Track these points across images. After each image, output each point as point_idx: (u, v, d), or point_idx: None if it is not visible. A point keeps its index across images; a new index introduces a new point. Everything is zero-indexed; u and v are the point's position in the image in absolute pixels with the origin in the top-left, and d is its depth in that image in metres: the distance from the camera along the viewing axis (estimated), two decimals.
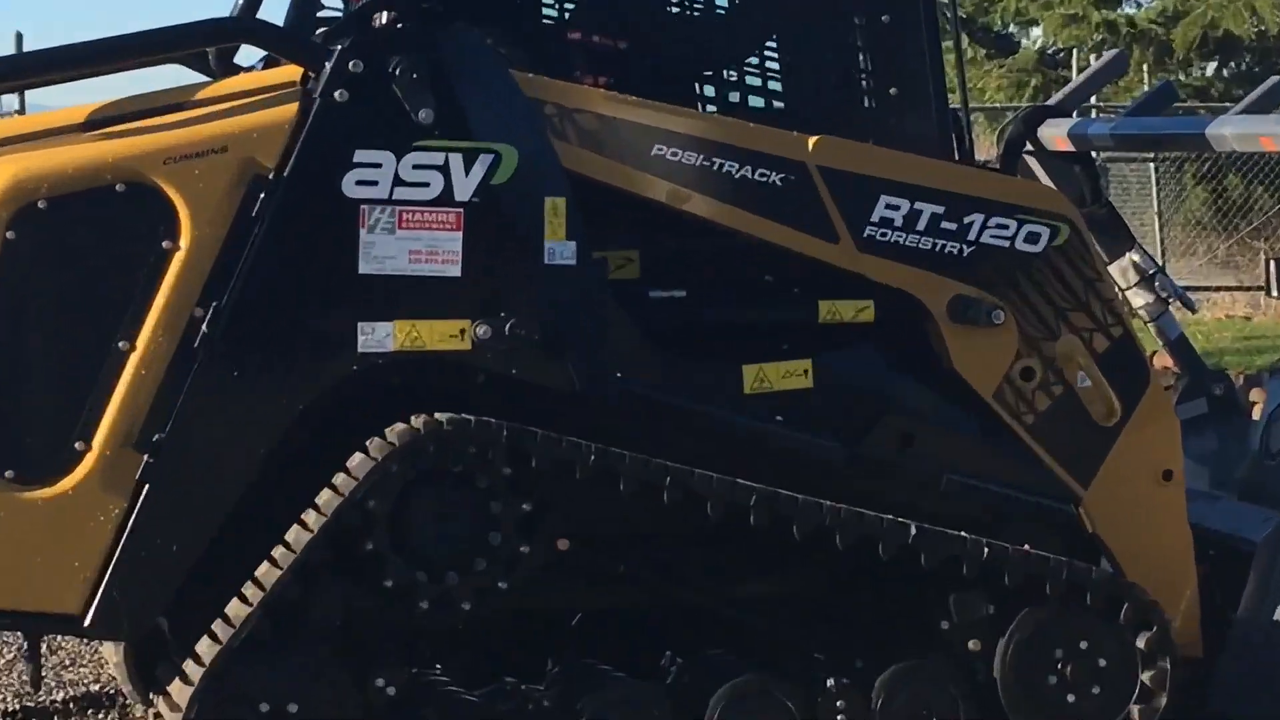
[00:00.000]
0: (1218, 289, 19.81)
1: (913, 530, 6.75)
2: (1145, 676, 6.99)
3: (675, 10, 7.31)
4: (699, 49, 7.28)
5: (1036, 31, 23.89)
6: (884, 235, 6.89)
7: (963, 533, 6.85)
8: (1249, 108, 8.64)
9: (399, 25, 6.63)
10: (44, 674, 8.07)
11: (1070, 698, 6.97)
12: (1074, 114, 8.88)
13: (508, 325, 6.46)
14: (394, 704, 6.55)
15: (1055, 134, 8.61)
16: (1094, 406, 7.16)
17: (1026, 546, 6.95)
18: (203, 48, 7.27)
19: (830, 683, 6.84)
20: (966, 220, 6.97)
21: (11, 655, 8.60)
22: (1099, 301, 7.20)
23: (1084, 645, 6.98)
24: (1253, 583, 7.40)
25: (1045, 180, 8.43)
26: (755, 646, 7.01)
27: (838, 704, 6.82)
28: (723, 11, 7.34)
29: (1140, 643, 6.99)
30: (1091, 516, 7.15)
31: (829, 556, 6.82)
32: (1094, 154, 8.80)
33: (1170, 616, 7.07)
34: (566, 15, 7.22)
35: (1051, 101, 9.10)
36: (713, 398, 6.83)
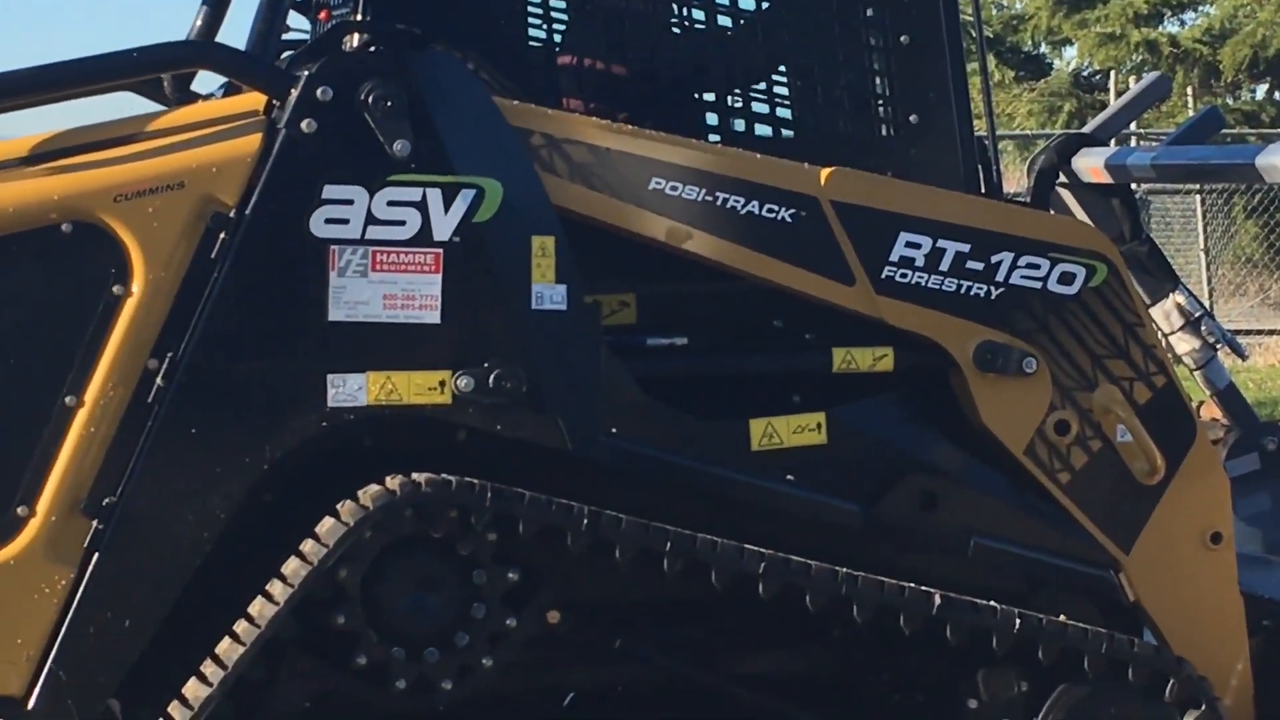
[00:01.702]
0: (1270, 333, 19.65)
1: (937, 600, 6.54)
2: None
3: (676, 31, 7.17)
4: (701, 73, 7.14)
5: (1071, 52, 24.01)
6: (904, 276, 6.68)
7: (992, 603, 6.66)
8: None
9: (371, 49, 6.42)
10: None
11: None
12: (1111, 142, 8.70)
13: (491, 377, 6.29)
14: None
15: (1091, 164, 8.43)
16: (1135, 463, 6.94)
17: (1063, 617, 6.73)
18: (157, 74, 7.13)
19: None
20: (994, 259, 6.76)
21: None
22: (1140, 348, 6.97)
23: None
24: None
25: (1081, 215, 8.27)
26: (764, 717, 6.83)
27: None
28: (727, 33, 7.18)
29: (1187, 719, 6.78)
30: (1133, 583, 6.94)
31: (846, 630, 6.65)
32: (1134, 186, 8.61)
33: (1220, 694, 6.87)
34: (556, 37, 7.11)
35: (1087, 129, 8.89)
36: (717, 456, 6.61)
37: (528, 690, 6.75)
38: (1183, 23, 22.89)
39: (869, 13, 6.99)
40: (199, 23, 7.58)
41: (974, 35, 7.21)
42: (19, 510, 6.09)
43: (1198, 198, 20.23)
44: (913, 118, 6.92)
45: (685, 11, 7.16)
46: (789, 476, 6.63)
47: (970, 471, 6.90)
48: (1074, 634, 6.67)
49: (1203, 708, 6.72)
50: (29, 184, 6.24)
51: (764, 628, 6.77)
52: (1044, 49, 23.99)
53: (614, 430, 6.44)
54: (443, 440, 6.39)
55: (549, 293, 6.36)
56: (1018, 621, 6.60)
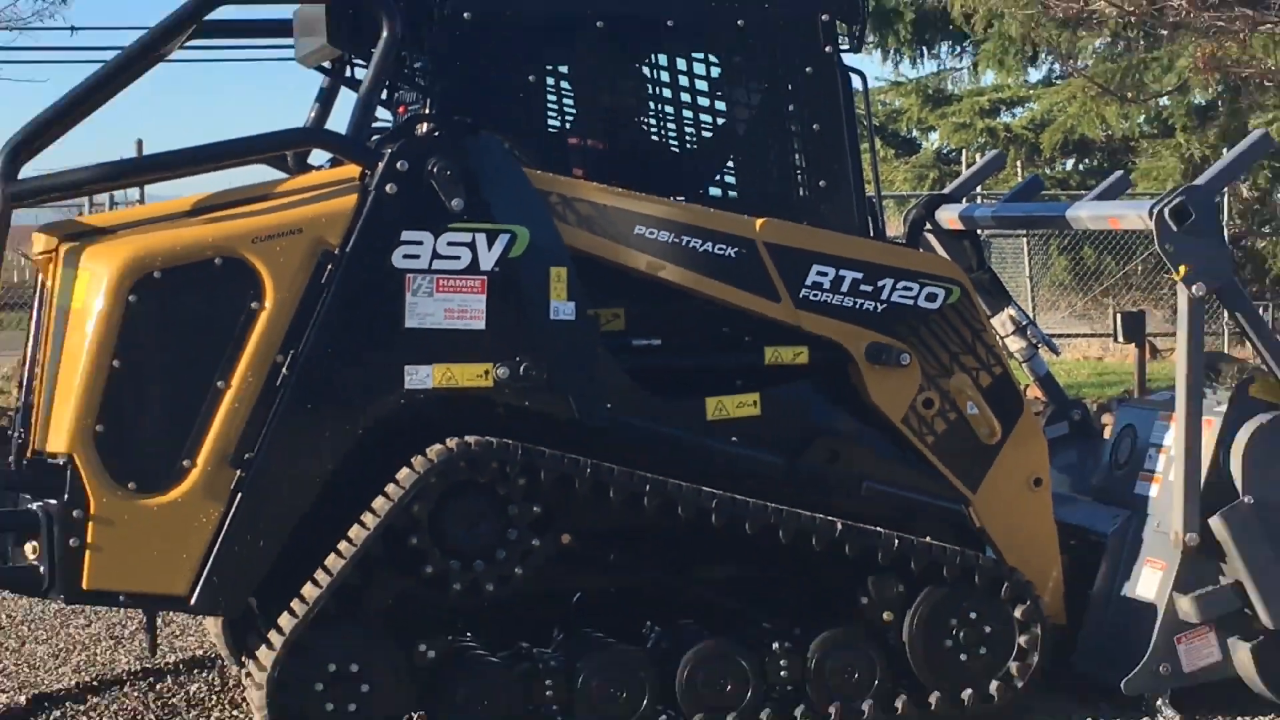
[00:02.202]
0: (1076, 336, 20.00)
1: (839, 527, 7.05)
2: (1021, 640, 7.27)
3: (653, 125, 7.52)
4: (672, 153, 7.50)
5: (934, 136, 23.91)
6: (816, 295, 7.20)
7: (878, 529, 7.15)
8: (1099, 195, 8.88)
9: (436, 134, 6.90)
10: (159, 641, 8.23)
11: (963, 657, 7.25)
12: (963, 200, 9.11)
13: (521, 367, 6.80)
14: (433, 665, 6.84)
15: (949, 216, 8.82)
16: (980, 429, 7.45)
17: (928, 539, 7.24)
18: (284, 151, 7.52)
19: (775, 646, 7.12)
20: (880, 283, 7.29)
21: (134, 627, 8.75)
22: (983, 347, 7.52)
23: (973, 616, 7.26)
24: (1105, 566, 7.72)
25: (941, 252, 8.62)
26: (716, 619, 7.28)
27: (781, 664, 7.10)
28: (689, 123, 7.47)
29: (1017, 614, 7.28)
30: (979, 515, 7.46)
31: (774, 548, 7.08)
32: (979, 231, 9.00)
33: (1040, 593, 7.37)
34: (567, 125, 7.40)
35: (946, 191, 9.27)
36: (682, 424, 7.13)
37: (547, 592, 7.15)
38: (1014, 115, 22.96)
39: (791, 108, 7.39)
40: (312, 115, 7.95)
41: (865, 124, 7.66)
42: (184, 463, 6.56)
43: (1024, 240, 20.47)
44: (822, 183, 7.42)
45: (662, 110, 7.50)
46: (733, 438, 7.18)
47: (863, 435, 7.42)
48: (936, 551, 7.21)
49: (1028, 603, 7.28)
50: (193, 230, 6.78)
51: (716, 548, 7.20)
52: (915, 134, 23.90)
53: (609, 406, 6.98)
54: (486, 413, 6.87)
55: (562, 308, 6.89)
56: (896, 542, 7.15)
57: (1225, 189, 7.61)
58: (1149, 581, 7.50)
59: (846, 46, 7.51)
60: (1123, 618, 7.55)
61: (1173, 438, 7.55)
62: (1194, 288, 7.38)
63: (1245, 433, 7.38)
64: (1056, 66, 23.64)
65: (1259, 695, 7.39)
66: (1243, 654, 7.34)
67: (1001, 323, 8.54)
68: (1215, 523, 7.27)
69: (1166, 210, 7.34)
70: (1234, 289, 7.60)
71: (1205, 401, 7.52)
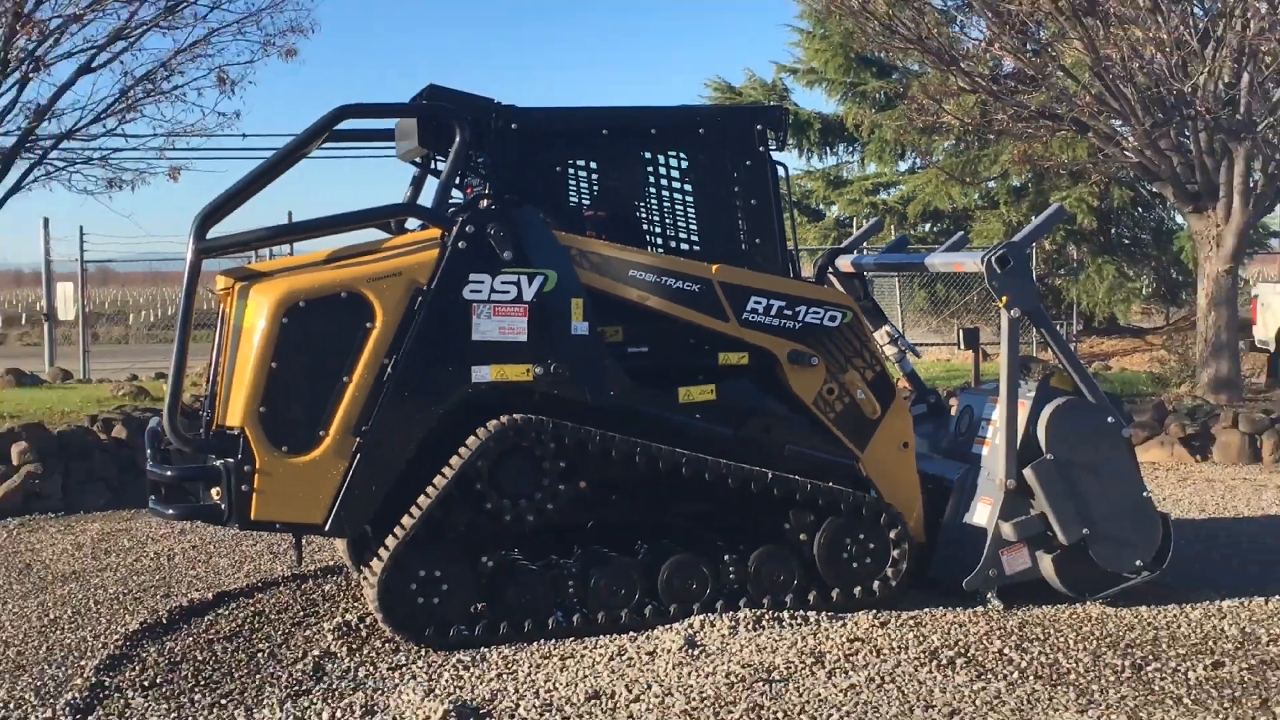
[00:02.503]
0: (932, 345, 20.02)
1: (769, 476, 7.11)
2: (894, 554, 7.33)
3: (641, 200, 7.46)
4: (654, 219, 7.46)
5: (834, 208, 23.97)
6: (754, 317, 7.22)
7: (797, 477, 7.18)
8: (947, 249, 8.93)
9: (492, 207, 6.90)
10: (304, 555, 8.26)
11: (854, 565, 7.29)
12: (854, 252, 9.01)
13: (552, 367, 6.85)
14: (492, 572, 6.94)
15: (844, 262, 8.85)
16: (866, 408, 7.45)
17: (830, 484, 7.26)
18: (390, 218, 7.52)
19: (726, 558, 7.18)
20: (798, 309, 7.30)
21: (285, 546, 8.78)
22: (868, 352, 7.52)
23: (861, 537, 7.31)
24: (951, 502, 7.72)
25: (840, 287, 8.62)
26: (686, 539, 7.28)
27: (731, 570, 7.16)
28: (670, 206, 7.46)
29: (891, 536, 7.34)
30: (866, 467, 7.46)
31: (726, 491, 7.10)
32: (865, 273, 8.98)
33: (907, 521, 7.41)
34: (583, 200, 7.38)
35: (842, 245, 9.23)
36: (662, 406, 7.14)
37: (569, 522, 7.10)
38: (889, 193, 23.01)
39: (736, 189, 7.40)
40: (408, 193, 7.92)
41: (786, 200, 7.61)
42: (320, 433, 6.60)
43: (895, 279, 20.46)
44: (757, 240, 7.42)
45: (647, 190, 7.47)
46: (697, 416, 7.19)
47: (786, 414, 7.39)
48: (835, 493, 7.26)
49: (899, 528, 7.34)
50: (326, 273, 6.83)
51: (686, 491, 7.14)
52: (820, 206, 23.98)
53: (612, 394, 7.00)
54: (527, 399, 6.89)
55: (580, 326, 6.92)
56: (808, 486, 7.20)
57: (1034, 244, 7.59)
58: (982, 513, 7.51)
59: (774, 147, 7.48)
60: (964, 538, 7.55)
61: (998, 414, 7.53)
62: (1012, 311, 7.45)
63: (1048, 411, 7.43)
64: (918, 160, 23.69)
65: (1056, 590, 7.42)
66: (1046, 562, 7.40)
67: (880, 335, 8.50)
68: (1027, 472, 7.32)
69: (993, 259, 7.42)
70: (1040, 312, 7.67)
71: (1020, 390, 7.57)
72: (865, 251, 9.11)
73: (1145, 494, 7.59)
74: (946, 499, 7.74)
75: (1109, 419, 7.58)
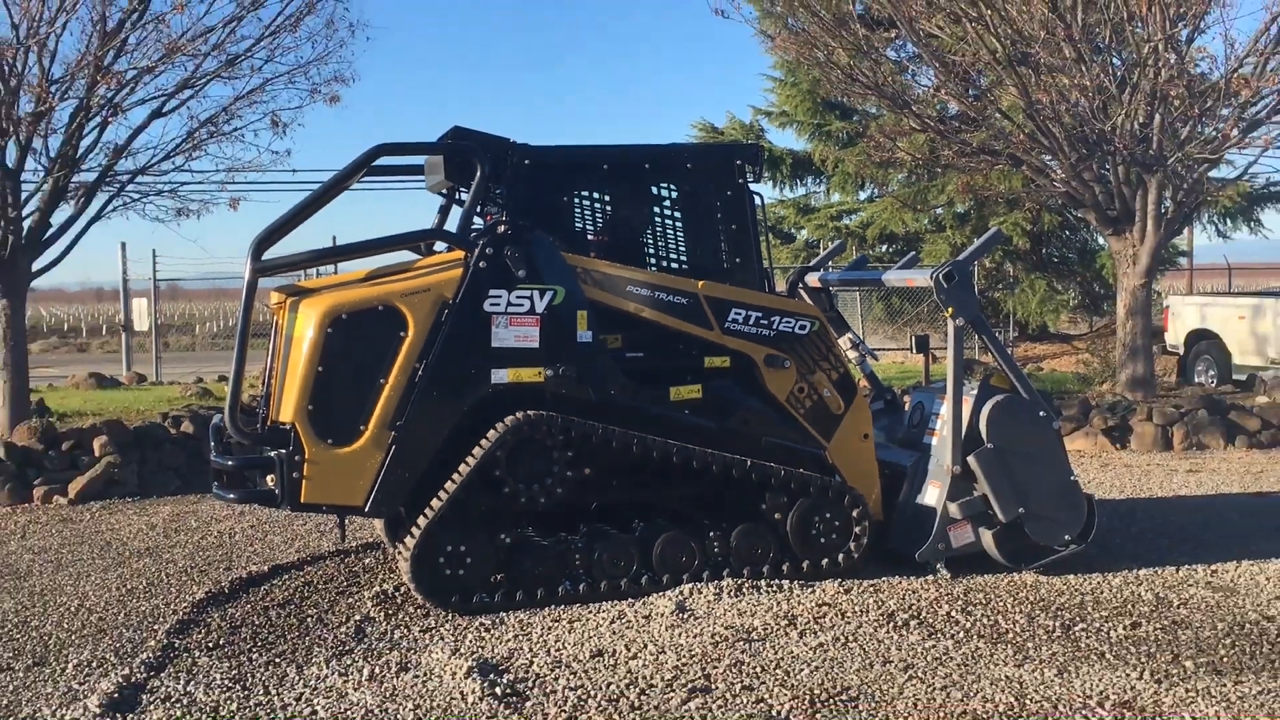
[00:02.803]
0: (888, 349, 20.00)
1: (748, 463, 7.11)
2: (856, 530, 7.32)
3: (638, 225, 7.40)
4: (652, 244, 7.40)
5: (804, 232, 23.98)
6: (734, 326, 7.21)
7: (772, 464, 7.18)
8: (901, 267, 8.94)
9: (509, 232, 6.85)
10: (347, 533, 8.26)
11: (822, 540, 7.28)
12: (821, 270, 9.01)
13: (560, 370, 6.84)
14: (509, 547, 6.88)
15: (812, 278, 8.84)
16: (831, 405, 7.44)
17: (801, 470, 7.26)
18: (421, 242, 7.48)
19: (711, 534, 7.16)
20: (772, 319, 7.30)
21: (331, 525, 8.72)
22: (833, 356, 7.51)
23: (827, 515, 7.30)
24: (906, 486, 7.70)
25: (808, 300, 8.58)
26: (677, 517, 7.25)
27: (714, 545, 7.14)
28: (662, 230, 7.41)
29: (853, 515, 7.33)
30: (831, 455, 7.44)
31: (712, 476, 7.10)
32: (830, 288, 8.94)
33: (868, 502, 7.40)
34: (587, 226, 7.32)
35: (811, 264, 9.18)
36: (656, 402, 7.12)
37: (575, 505, 7.04)
38: (851, 219, 22.98)
39: (719, 215, 7.40)
40: (436, 220, 7.91)
41: (762, 225, 7.58)
42: (361, 427, 6.60)
43: (857, 293, 20.46)
44: (737, 259, 7.39)
45: (643, 217, 7.42)
46: (686, 411, 7.17)
47: (763, 409, 7.36)
48: (806, 478, 7.25)
49: (860, 508, 7.33)
50: (366, 289, 6.81)
51: (676, 476, 7.11)
52: (791, 231, 23.99)
53: (613, 392, 6.98)
54: (539, 397, 6.86)
55: (584, 334, 6.90)
56: (783, 472, 7.19)
57: (975, 263, 7.58)
58: (932, 494, 7.50)
59: (751, 179, 7.45)
60: (916, 516, 7.55)
61: (945, 409, 7.52)
62: (957, 321, 7.43)
63: (988, 407, 7.41)
64: (875, 190, 23.71)
65: (996, 561, 7.42)
66: (987, 537, 7.39)
67: (844, 341, 8.46)
68: (971, 460, 7.31)
69: (941, 275, 7.41)
70: (981, 321, 7.65)
71: (965, 388, 7.54)
72: (830, 269, 9.11)
73: (1072, 478, 7.57)
74: (901, 483, 7.71)
75: (1041, 413, 7.57)
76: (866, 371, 8.96)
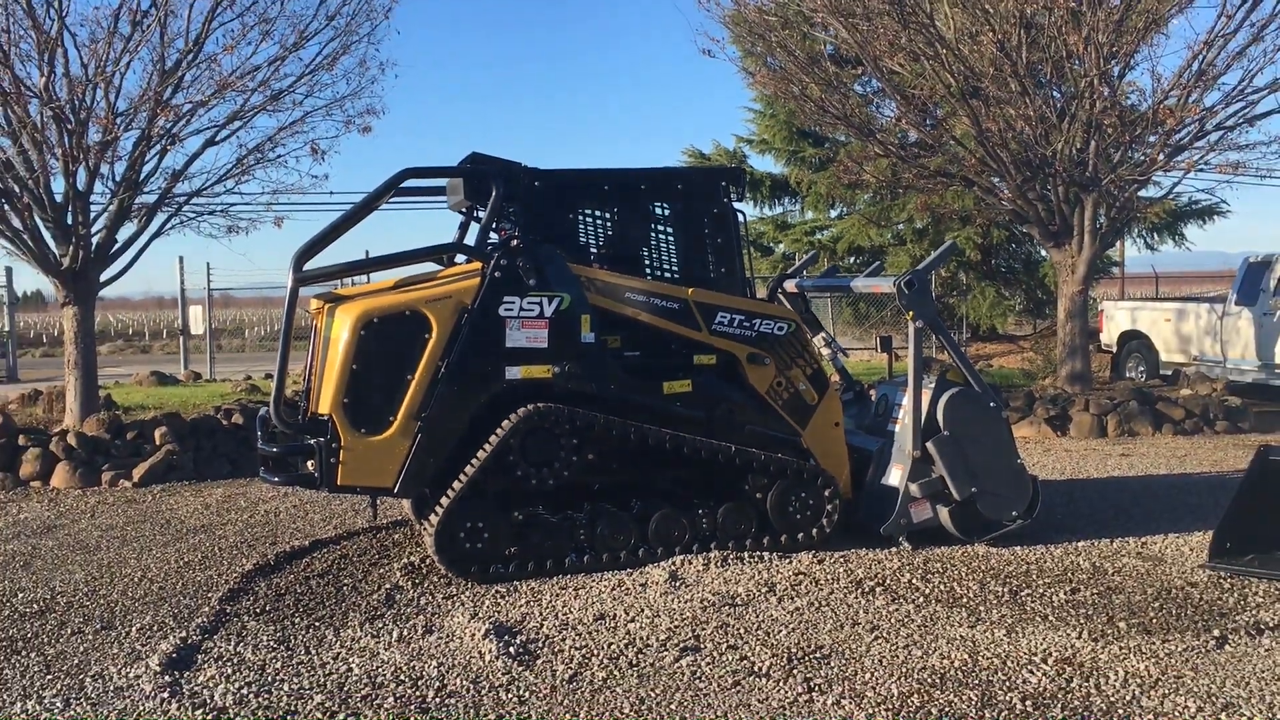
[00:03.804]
0: (856, 349, 19.96)
1: (733, 449, 7.09)
2: (827, 508, 7.32)
3: (635, 239, 7.32)
4: (647, 256, 7.32)
5: (781, 246, 23.87)
6: (721, 327, 7.18)
7: (754, 449, 7.16)
8: (867, 275, 8.85)
9: (521, 245, 6.84)
10: (378, 512, 8.24)
11: (798, 517, 7.26)
12: (797, 277, 9.00)
13: (566, 367, 6.79)
14: (522, 523, 6.85)
15: (790, 285, 8.83)
16: (806, 396, 7.41)
17: (780, 455, 7.23)
18: (443, 254, 7.40)
19: (699, 511, 7.15)
20: (754, 321, 7.26)
21: (364, 505, 8.69)
22: (808, 353, 7.48)
23: (803, 494, 7.28)
24: (872, 467, 7.68)
25: (786, 304, 8.57)
26: (670, 496, 7.21)
27: (703, 520, 7.12)
28: (656, 242, 7.34)
29: (825, 494, 7.32)
30: (807, 441, 7.41)
31: (700, 461, 7.08)
32: (805, 294, 8.95)
33: (838, 482, 7.39)
34: (590, 240, 7.25)
35: (788, 272, 9.17)
36: (651, 395, 7.07)
37: (580, 486, 6.98)
38: (823, 234, 22.79)
39: (706, 231, 7.32)
40: (456, 235, 7.86)
41: (744, 239, 7.53)
42: (390, 418, 6.56)
43: (829, 299, 20.41)
44: (723, 270, 7.33)
45: (640, 232, 7.35)
46: (677, 404, 7.12)
47: (746, 400, 7.32)
48: (783, 462, 7.23)
49: (831, 489, 7.31)
50: (395, 296, 6.76)
51: (669, 461, 7.07)
52: (770, 245, 23.85)
53: (613, 387, 6.94)
54: (548, 392, 6.82)
55: (587, 336, 6.85)
56: (763, 456, 7.17)
57: (933, 272, 7.58)
58: (894, 475, 7.49)
59: (735, 199, 7.42)
60: (881, 494, 7.54)
61: (906, 401, 7.51)
62: (917, 323, 7.42)
63: (944, 398, 7.41)
64: (844, 208, 23.63)
65: (951, 535, 7.42)
66: (944, 513, 7.40)
67: (818, 340, 8.47)
68: (929, 445, 7.31)
69: (903, 283, 7.39)
70: (938, 323, 7.62)
71: (924, 381, 7.54)
72: (806, 277, 9.09)
73: (1019, 461, 7.57)
74: (868, 465, 7.70)
75: (991, 404, 7.56)
76: (838, 366, 8.95)
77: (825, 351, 8.59)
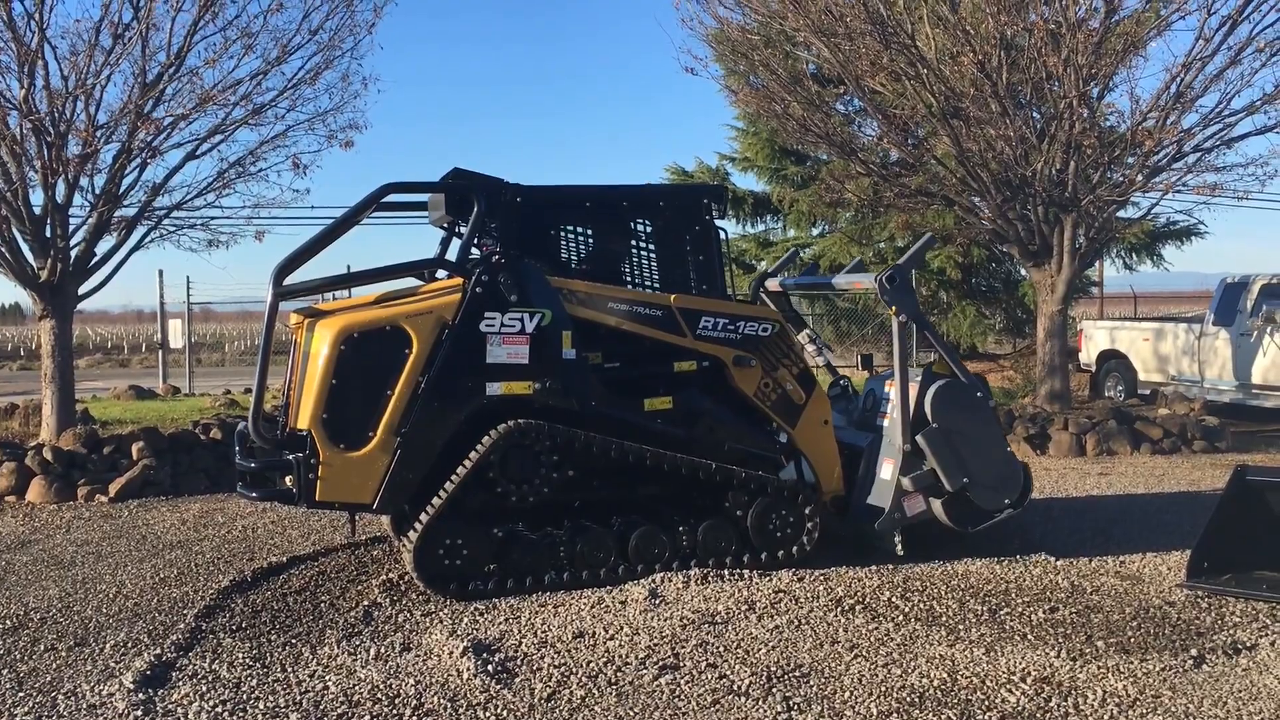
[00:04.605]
0: (838, 366, 20.01)
1: (713, 466, 7.08)
2: (807, 525, 7.29)
3: (617, 253, 7.32)
4: (629, 273, 7.31)
5: (763, 263, 23.90)
6: (705, 331, 7.16)
7: (734, 467, 7.14)
8: (848, 271, 9.03)
9: (502, 261, 6.83)
10: (357, 528, 8.21)
11: (778, 534, 7.24)
12: (779, 275, 9.10)
13: (547, 383, 6.77)
14: (501, 540, 6.81)
15: (772, 284, 8.94)
16: (794, 396, 7.40)
17: (760, 473, 7.21)
18: (424, 270, 7.40)
19: (680, 528, 7.13)
20: (739, 323, 7.25)
21: (343, 521, 8.69)
22: (794, 353, 7.49)
23: (783, 512, 7.26)
24: (863, 463, 7.67)
25: (770, 304, 8.64)
26: (649, 513, 7.17)
27: (683, 538, 7.10)
28: (638, 259, 7.34)
29: (806, 512, 7.29)
30: (796, 440, 7.43)
31: (680, 477, 7.07)
32: (789, 292, 9.07)
33: (824, 484, 7.43)
34: (571, 255, 7.26)
35: (770, 271, 9.29)
36: (631, 411, 7.07)
37: (560, 502, 6.95)
38: (805, 251, 22.80)
39: (688, 247, 7.32)
40: (438, 251, 7.82)
41: (726, 255, 7.52)
42: (369, 434, 6.52)
43: (809, 317, 20.42)
44: (704, 287, 7.31)
45: (622, 246, 7.35)
46: (658, 420, 7.11)
47: (726, 416, 7.31)
48: (763, 479, 7.22)
49: (812, 505, 7.30)
50: (375, 311, 6.74)
51: (649, 477, 7.06)
52: (752, 262, 23.87)
53: (593, 403, 6.92)
54: (528, 407, 6.80)
55: (569, 352, 6.84)
56: (743, 474, 7.16)
57: (913, 266, 7.60)
58: (886, 470, 7.52)
59: (717, 216, 7.42)
60: (874, 489, 7.56)
61: (895, 394, 7.53)
62: (900, 318, 7.46)
63: (932, 390, 7.44)
64: (826, 226, 23.72)
65: (946, 527, 7.50)
66: (937, 505, 7.45)
67: (802, 337, 8.57)
68: (919, 438, 7.34)
69: (884, 278, 7.42)
70: (920, 317, 7.63)
71: (910, 374, 7.56)
72: (787, 275, 9.20)
73: (1008, 449, 7.63)
74: (859, 462, 7.69)
75: (978, 394, 7.60)
76: (825, 362, 9.02)
77: (810, 347, 8.63)
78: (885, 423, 7.69)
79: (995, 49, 12.60)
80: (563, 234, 7.25)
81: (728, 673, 5.31)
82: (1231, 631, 5.96)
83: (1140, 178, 13.04)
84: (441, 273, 7.24)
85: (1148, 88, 42.03)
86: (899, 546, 7.41)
